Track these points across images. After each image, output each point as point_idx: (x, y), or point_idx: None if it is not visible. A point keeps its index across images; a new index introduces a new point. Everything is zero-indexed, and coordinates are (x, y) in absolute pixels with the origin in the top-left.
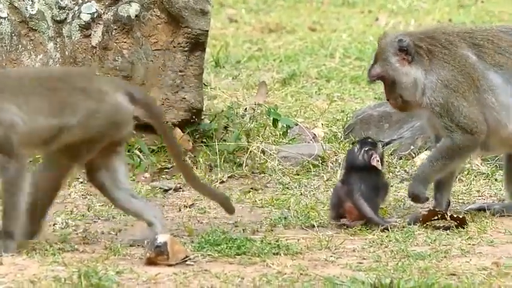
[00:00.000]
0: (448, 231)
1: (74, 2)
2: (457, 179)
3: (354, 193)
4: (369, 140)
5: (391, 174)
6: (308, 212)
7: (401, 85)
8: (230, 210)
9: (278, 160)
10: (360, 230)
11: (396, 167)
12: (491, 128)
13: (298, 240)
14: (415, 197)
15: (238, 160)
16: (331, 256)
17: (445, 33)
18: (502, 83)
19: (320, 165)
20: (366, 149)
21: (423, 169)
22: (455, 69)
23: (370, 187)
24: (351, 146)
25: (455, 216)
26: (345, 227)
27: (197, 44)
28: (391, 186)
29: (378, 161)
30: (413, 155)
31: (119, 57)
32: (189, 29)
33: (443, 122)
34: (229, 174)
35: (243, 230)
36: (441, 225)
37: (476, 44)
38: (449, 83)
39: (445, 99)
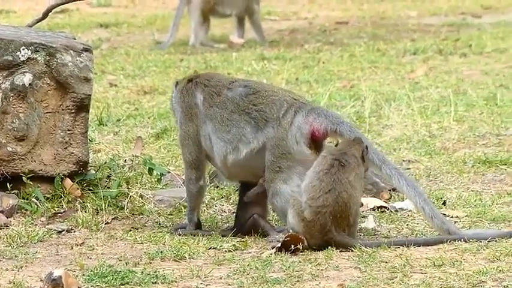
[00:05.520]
0: (300, 258)
1: None
2: None
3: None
4: None
5: None
6: (181, 246)
7: None
8: None
9: (154, 203)
10: (225, 259)
11: None
12: (215, 161)
13: (172, 270)
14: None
15: (120, 204)
16: (201, 283)
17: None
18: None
19: None
20: None
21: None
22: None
23: None
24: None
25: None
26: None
27: (82, 107)
28: None
29: None
30: None
31: (16, 120)
32: (75, 94)
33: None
34: (113, 216)
35: (126, 263)
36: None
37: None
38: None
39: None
